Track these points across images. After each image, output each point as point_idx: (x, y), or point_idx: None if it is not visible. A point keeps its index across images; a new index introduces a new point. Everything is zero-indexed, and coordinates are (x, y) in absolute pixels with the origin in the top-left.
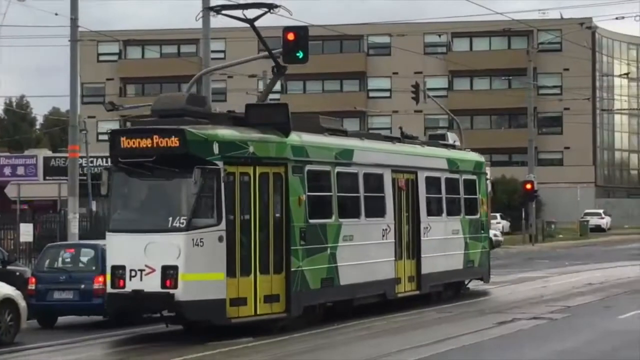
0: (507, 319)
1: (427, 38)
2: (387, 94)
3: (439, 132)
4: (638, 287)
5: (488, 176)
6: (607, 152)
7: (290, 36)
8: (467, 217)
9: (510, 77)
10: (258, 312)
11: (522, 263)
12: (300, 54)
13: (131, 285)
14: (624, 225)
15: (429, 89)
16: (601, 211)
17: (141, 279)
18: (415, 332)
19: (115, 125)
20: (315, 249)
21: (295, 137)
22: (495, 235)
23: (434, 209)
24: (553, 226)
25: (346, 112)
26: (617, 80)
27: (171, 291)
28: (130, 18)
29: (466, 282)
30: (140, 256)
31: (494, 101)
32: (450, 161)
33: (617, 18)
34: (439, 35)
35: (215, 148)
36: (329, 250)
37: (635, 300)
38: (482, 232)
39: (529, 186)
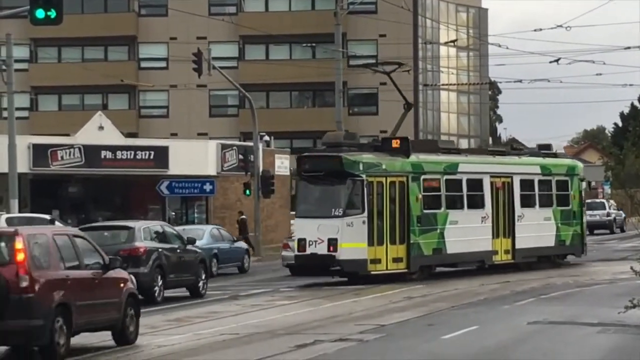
0: (308, 341)
1: None
2: (163, 64)
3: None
4: (467, 300)
5: (581, 176)
6: (432, 137)
7: None
8: (559, 207)
9: (315, 45)
10: (388, 268)
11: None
12: (52, 13)
13: (309, 250)
14: None
15: (215, 58)
16: None
17: (315, 246)
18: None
19: None
20: (428, 229)
21: (413, 158)
22: None
23: (527, 202)
24: None
25: (111, 86)
26: (443, 50)
27: (334, 253)
28: None
29: (561, 257)
30: (314, 232)
31: (295, 74)
32: (543, 167)
33: None
34: None
35: (360, 166)
36: (438, 230)
37: (464, 317)
38: (574, 219)
39: None
